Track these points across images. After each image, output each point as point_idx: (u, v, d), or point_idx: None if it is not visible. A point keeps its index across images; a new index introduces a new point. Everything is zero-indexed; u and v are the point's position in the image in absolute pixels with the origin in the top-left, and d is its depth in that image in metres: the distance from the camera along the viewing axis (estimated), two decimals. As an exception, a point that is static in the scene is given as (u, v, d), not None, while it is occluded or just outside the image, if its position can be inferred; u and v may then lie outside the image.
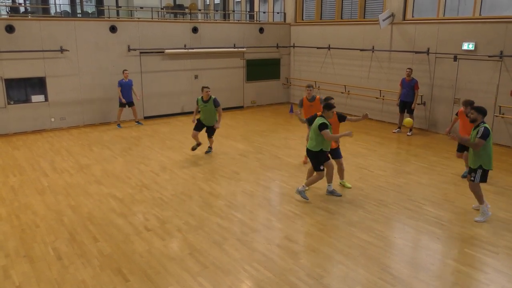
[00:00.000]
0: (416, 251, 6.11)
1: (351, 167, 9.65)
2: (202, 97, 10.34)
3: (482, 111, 6.79)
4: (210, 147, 10.86)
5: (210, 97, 10.23)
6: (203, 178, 9.01)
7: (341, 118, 8.20)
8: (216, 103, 10.22)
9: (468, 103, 8.30)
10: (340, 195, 8.00)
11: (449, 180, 8.91)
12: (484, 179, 6.83)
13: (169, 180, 8.88)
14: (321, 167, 7.62)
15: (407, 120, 9.93)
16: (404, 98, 12.52)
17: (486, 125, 6.69)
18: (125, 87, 13.40)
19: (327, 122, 7.45)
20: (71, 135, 12.74)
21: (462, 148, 8.79)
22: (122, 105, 13.50)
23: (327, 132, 7.36)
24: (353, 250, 6.04)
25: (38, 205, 7.64)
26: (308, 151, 7.73)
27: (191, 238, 6.39)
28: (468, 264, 5.71)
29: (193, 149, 10.58)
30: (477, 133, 6.65)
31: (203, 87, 10.43)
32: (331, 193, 8.05)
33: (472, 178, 6.86)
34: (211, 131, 10.63)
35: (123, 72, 13.41)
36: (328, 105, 7.60)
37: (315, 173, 7.72)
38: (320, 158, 7.61)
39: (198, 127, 10.51)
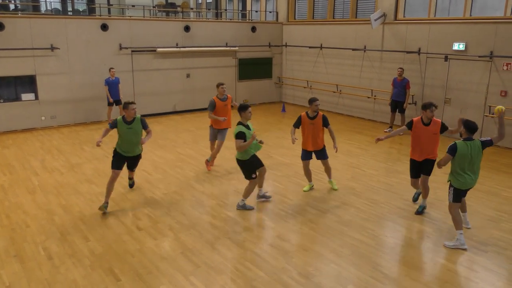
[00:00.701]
0: (407, 250, 6.15)
1: (343, 166, 9.69)
2: (123, 116, 7.45)
3: (467, 125, 5.94)
4: (131, 179, 8.36)
5: (135, 117, 7.41)
6: (195, 178, 8.99)
7: (326, 122, 8.05)
8: (144, 124, 7.48)
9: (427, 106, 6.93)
10: (253, 208, 7.41)
11: (440, 179, 8.97)
12: (456, 198, 6.10)
13: (161, 179, 8.85)
14: (253, 175, 7.23)
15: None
16: (396, 97, 12.63)
17: (460, 142, 5.93)
18: (112, 86, 13.25)
19: (244, 131, 6.95)
20: (62, 134, 12.64)
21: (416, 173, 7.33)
22: (110, 104, 13.40)
23: (239, 142, 6.91)
24: (345, 249, 6.06)
25: (29, 204, 7.58)
26: (237, 160, 7.30)
27: (183, 238, 6.38)
28: (459, 263, 5.76)
29: (103, 208, 7.20)
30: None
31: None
32: (262, 197, 7.77)
33: (448, 197, 6.23)
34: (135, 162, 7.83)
35: (109, 70, 13.24)
36: (242, 106, 7.12)
37: (248, 183, 7.32)
38: (249, 167, 7.23)
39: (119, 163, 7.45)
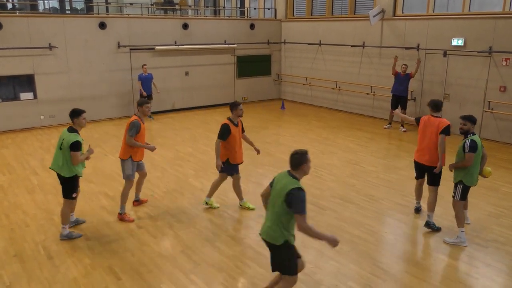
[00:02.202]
0: (406, 246, 6.16)
1: (342, 163, 9.68)
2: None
3: (472, 120, 5.98)
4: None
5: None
6: (195, 175, 8.98)
7: (243, 129, 7.19)
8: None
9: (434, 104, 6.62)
10: (84, 222, 6.84)
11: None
12: (463, 196, 6.08)
13: (160, 178, 8.85)
14: (73, 195, 6.17)
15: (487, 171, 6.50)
16: (396, 91, 12.54)
17: (475, 137, 5.92)
18: (145, 81, 13.79)
19: (80, 140, 6.07)
20: (61, 132, 12.59)
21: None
22: (143, 98, 13.55)
23: (76, 154, 5.98)
24: (344, 245, 6.07)
25: (28, 204, 7.57)
26: (58, 175, 6.19)
27: (183, 236, 6.38)
28: (458, 259, 5.77)
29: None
30: (464, 146, 5.90)
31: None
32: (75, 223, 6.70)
33: (453, 194, 6.15)
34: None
35: (142, 67, 13.77)
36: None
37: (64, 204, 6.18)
38: (72, 184, 6.13)
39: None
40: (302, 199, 4.13)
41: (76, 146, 6.01)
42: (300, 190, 4.17)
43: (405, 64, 12.53)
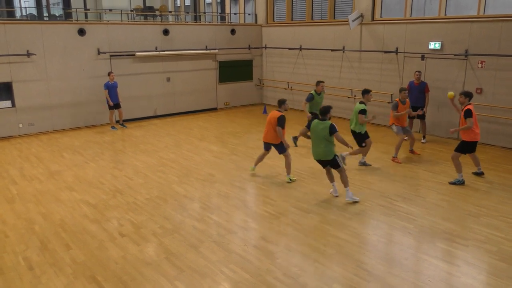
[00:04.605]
0: (389, 247, 6.23)
1: (325, 166, 9.75)
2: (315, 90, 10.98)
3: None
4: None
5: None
6: (178, 181, 8.94)
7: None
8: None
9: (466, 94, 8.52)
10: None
11: (420, 176, 9.13)
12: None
13: (143, 184, 8.78)
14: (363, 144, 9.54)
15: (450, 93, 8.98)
16: (414, 103, 11.37)
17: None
18: (112, 89, 13.40)
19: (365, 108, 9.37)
20: (41, 141, 12.42)
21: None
22: (111, 107, 13.43)
23: (361, 117, 9.37)
24: (328, 248, 6.11)
25: (7, 214, 7.42)
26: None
27: (167, 242, 6.33)
28: (440, 258, 5.86)
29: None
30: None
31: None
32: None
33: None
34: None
35: (109, 74, 13.39)
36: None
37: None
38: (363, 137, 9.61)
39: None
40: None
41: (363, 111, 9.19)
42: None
43: (418, 71, 11.55)
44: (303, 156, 10.55)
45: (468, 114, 8.24)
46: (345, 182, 7.73)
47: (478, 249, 6.07)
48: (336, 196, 7.98)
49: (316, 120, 7.79)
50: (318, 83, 11.29)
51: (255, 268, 5.60)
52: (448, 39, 11.90)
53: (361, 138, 9.49)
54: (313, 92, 11.23)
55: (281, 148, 8.77)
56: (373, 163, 10.00)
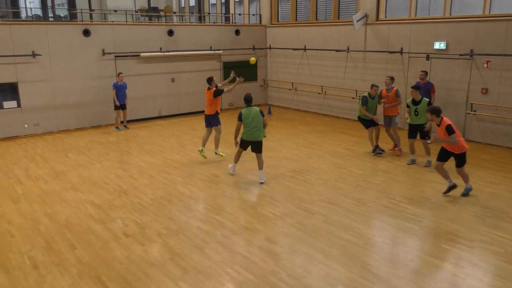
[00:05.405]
0: (395, 248, 6.21)
1: (329, 167, 9.74)
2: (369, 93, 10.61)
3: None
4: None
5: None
6: (182, 182, 8.95)
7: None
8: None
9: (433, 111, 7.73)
10: None
11: (426, 177, 9.09)
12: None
13: (148, 185, 8.79)
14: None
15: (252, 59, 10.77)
16: None
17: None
18: (120, 90, 13.40)
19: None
20: (46, 141, 12.47)
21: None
22: (117, 107, 13.42)
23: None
24: (333, 249, 6.09)
25: (13, 214, 7.45)
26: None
27: (171, 243, 6.34)
28: (445, 259, 5.83)
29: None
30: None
31: (372, 85, 10.52)
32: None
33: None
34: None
35: (118, 75, 13.40)
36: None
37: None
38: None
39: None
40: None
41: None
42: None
43: (423, 71, 11.48)
44: (307, 157, 10.54)
45: (450, 130, 7.50)
46: (261, 165, 8.85)
47: (484, 250, 6.03)
48: (232, 174, 9.23)
49: (245, 109, 8.64)
50: (372, 86, 10.54)
51: (259, 269, 5.60)
52: (453, 39, 11.84)
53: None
54: (366, 95, 10.60)
55: (216, 120, 10.28)
56: (379, 164, 9.98)
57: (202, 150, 10.22)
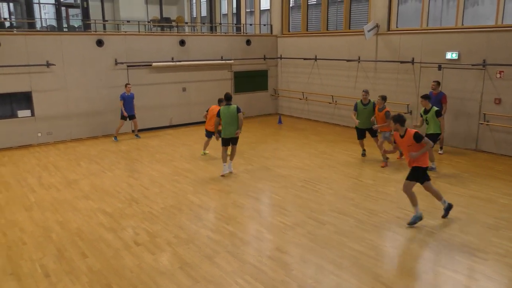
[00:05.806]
0: (407, 260, 6.13)
1: (341, 177, 9.69)
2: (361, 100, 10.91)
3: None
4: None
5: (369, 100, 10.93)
6: (193, 191, 8.96)
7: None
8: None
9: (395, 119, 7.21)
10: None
11: (438, 187, 8.98)
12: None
13: (158, 194, 8.82)
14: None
15: None
16: None
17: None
18: (128, 100, 13.46)
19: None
20: (58, 150, 12.61)
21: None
22: (123, 117, 13.49)
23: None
24: (344, 260, 6.04)
25: (25, 221, 7.52)
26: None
27: (181, 252, 6.34)
28: (459, 271, 5.74)
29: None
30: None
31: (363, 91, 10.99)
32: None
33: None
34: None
35: (125, 86, 13.49)
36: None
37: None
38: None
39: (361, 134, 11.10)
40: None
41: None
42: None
43: (435, 81, 11.33)
44: (318, 167, 10.50)
45: (419, 137, 6.91)
46: (232, 157, 9.95)
47: (498, 262, 5.93)
48: (231, 172, 9.94)
49: (224, 107, 9.52)
50: (362, 92, 11.12)
51: (269, 279, 5.56)
52: (466, 49, 11.77)
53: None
54: (358, 101, 11.10)
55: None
56: (391, 174, 9.90)
57: (204, 153, 11.64)
